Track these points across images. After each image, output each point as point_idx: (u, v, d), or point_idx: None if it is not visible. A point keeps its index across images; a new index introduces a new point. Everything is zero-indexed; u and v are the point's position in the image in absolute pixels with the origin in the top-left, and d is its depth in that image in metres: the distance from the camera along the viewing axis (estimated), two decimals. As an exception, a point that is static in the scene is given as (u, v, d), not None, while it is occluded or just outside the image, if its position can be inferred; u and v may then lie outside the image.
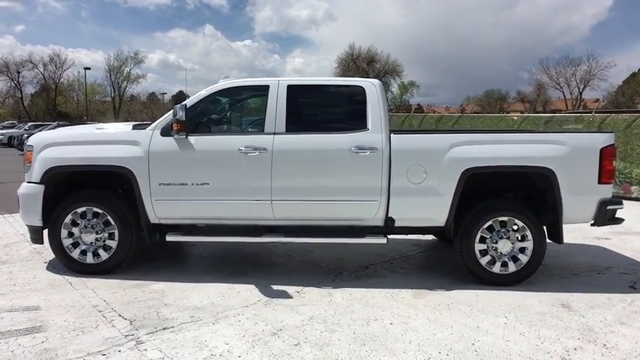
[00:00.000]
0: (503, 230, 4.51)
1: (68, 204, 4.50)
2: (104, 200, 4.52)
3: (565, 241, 6.26)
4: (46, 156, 4.52)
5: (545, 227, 4.76)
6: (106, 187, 4.65)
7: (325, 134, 4.53)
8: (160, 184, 4.46)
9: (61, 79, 52.72)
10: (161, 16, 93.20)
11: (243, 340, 3.33)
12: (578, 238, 6.59)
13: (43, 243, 4.65)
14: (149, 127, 4.56)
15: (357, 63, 49.56)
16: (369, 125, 4.49)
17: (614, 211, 4.60)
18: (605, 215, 4.53)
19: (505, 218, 4.50)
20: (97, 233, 4.54)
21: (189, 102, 4.61)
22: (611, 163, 4.50)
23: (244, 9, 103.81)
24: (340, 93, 4.77)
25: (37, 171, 4.51)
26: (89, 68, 50.75)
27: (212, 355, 3.10)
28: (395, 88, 57.80)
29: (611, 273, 5.06)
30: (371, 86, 4.59)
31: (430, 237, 6.10)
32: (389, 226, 4.60)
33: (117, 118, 50.67)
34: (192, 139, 4.47)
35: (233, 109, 4.94)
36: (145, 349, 3.15)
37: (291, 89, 4.60)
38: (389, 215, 4.53)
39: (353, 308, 3.94)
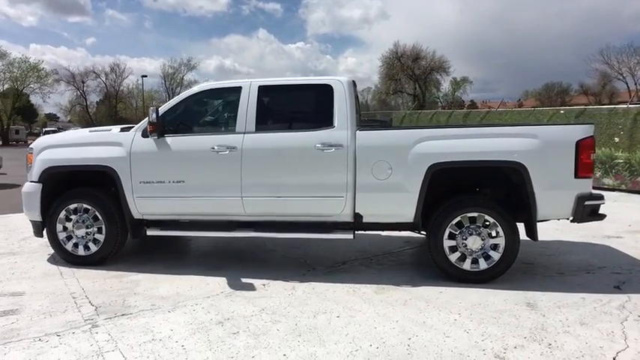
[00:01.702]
0: (473, 226, 4.43)
1: (62, 201, 4.92)
2: (92, 197, 4.89)
3: (570, 239, 6.16)
4: (43, 157, 4.97)
5: (524, 224, 4.64)
6: (98, 185, 5.02)
7: (292, 132, 4.66)
8: (140, 182, 4.77)
9: (121, 87, 56.07)
10: (217, 23, 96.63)
11: (188, 327, 3.52)
12: (587, 237, 6.31)
13: (42, 236, 5.10)
14: (132, 130, 4.89)
15: (402, 61, 48.85)
16: (336, 122, 4.57)
17: (595, 206, 4.38)
18: (583, 211, 4.33)
19: (474, 214, 4.42)
20: (87, 228, 4.93)
21: (167, 105, 4.90)
22: (589, 157, 4.30)
23: (297, 12, 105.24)
24: (309, 92, 4.86)
25: (35, 171, 4.97)
26: (146, 76, 53.74)
27: (153, 339, 3.32)
28: (447, 84, 56.52)
29: (602, 273, 4.81)
30: (339, 84, 4.66)
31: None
32: (357, 222, 4.65)
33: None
34: (169, 139, 4.75)
35: (209, 111, 5.16)
36: (97, 332, 3.42)
37: (262, 90, 4.76)
38: (356, 211, 4.58)
39: (308, 301, 4.04)
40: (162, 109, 4.87)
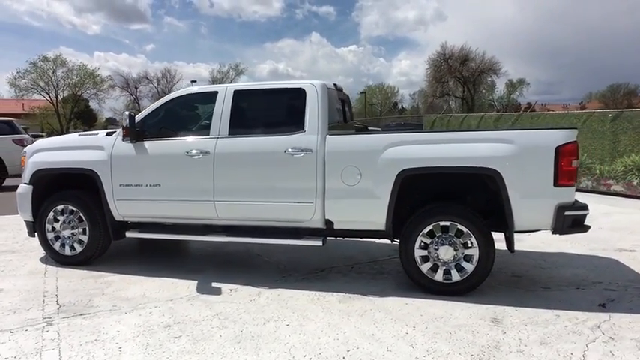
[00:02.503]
0: (445, 236, 4.23)
1: (50, 202, 5.14)
2: (77, 199, 5.08)
3: (576, 251, 5.77)
4: (33, 160, 5.22)
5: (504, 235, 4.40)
6: (85, 188, 5.20)
7: (263, 137, 4.64)
8: (120, 185, 4.90)
9: (172, 92, 58.25)
10: (271, 28, 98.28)
11: (136, 329, 3.57)
12: (596, 249, 5.89)
13: (34, 236, 5.34)
14: (114, 134, 5.04)
15: (450, 63, 47.70)
16: (306, 127, 4.50)
17: (578, 217, 4.07)
18: (563, 222, 4.03)
19: (447, 223, 4.22)
20: (72, 229, 5.12)
21: (148, 109, 5.03)
22: (570, 163, 4.00)
23: (350, 14, 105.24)
24: (283, 96, 4.82)
25: (27, 174, 5.23)
26: (195, 81, 55.06)
27: (95, 340, 3.39)
28: (502, 86, 54.76)
29: (594, 288, 4.46)
30: (311, 88, 4.59)
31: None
32: (329, 228, 4.56)
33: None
34: (147, 143, 4.86)
35: (187, 116, 5.22)
36: (47, 331, 3.54)
37: (237, 94, 4.78)
38: (326, 218, 4.49)
39: (266, 308, 4.00)
40: (143, 113, 5.01)
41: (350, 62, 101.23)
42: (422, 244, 4.28)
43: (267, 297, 4.27)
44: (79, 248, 5.12)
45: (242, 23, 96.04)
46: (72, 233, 5.13)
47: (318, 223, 4.54)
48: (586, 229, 4.14)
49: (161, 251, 5.96)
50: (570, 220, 4.03)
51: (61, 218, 5.13)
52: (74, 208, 5.08)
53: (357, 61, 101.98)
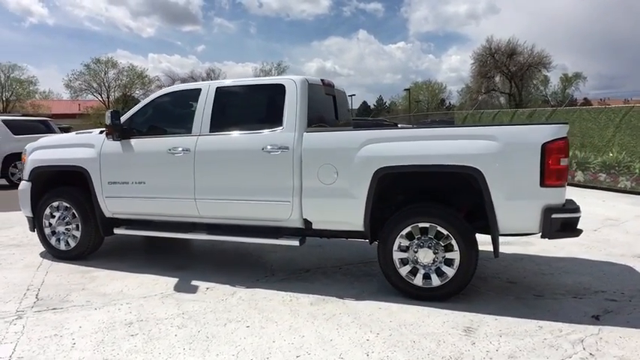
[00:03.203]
0: (425, 238, 4.00)
1: (47, 198, 5.30)
2: (70, 196, 5.21)
3: (589, 257, 5.34)
4: (32, 158, 5.40)
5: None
6: (78, 185, 5.31)
7: (242, 134, 4.57)
8: (108, 183, 4.98)
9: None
10: (318, 26, 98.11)
11: (97, 325, 3.59)
12: (613, 255, 5.45)
13: (34, 231, 5.52)
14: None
15: (496, 57, 45.95)
16: (284, 124, 4.39)
17: (567, 220, 3.73)
18: (551, 225, 3.71)
19: (426, 224, 3.98)
20: (66, 224, 5.25)
21: (135, 107, 5.07)
22: (558, 162, 3.67)
23: (398, 11, 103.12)
24: (263, 93, 4.72)
25: (26, 171, 5.41)
26: (237, 80, 56.18)
27: (55, 335, 3.43)
28: (557, 81, 52.34)
29: (593, 298, 4.09)
30: (291, 83, 4.47)
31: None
32: (307, 228, 4.43)
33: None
34: (133, 141, 4.90)
35: (173, 113, 5.20)
36: (15, 324, 3.62)
37: (219, 91, 4.73)
38: (304, 217, 4.37)
39: (234, 308, 3.92)
40: (131, 111, 5.06)
41: (398, 59, 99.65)
42: (401, 246, 4.07)
43: (241, 297, 4.19)
44: (72, 244, 5.25)
45: (290, 22, 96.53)
46: (66, 229, 5.26)
47: (296, 223, 4.42)
48: (577, 233, 3.80)
49: (156, 248, 6.01)
50: (559, 224, 3.70)
51: (57, 214, 5.27)
52: (68, 205, 5.21)
53: (406, 58, 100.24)
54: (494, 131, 3.83)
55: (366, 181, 4.06)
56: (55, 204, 5.26)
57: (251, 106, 4.81)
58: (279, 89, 4.49)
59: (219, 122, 4.66)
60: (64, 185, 5.32)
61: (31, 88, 48.56)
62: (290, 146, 4.29)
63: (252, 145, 4.43)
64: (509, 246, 5.68)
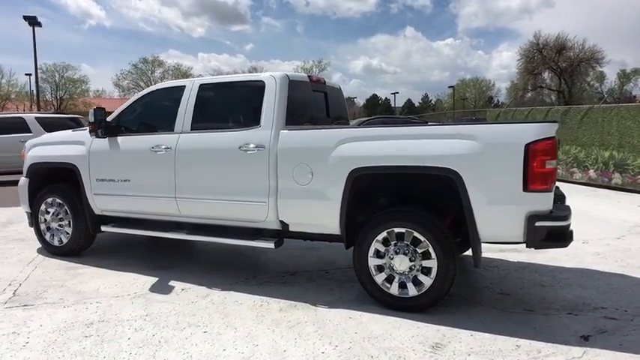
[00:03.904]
0: (401, 244, 3.74)
1: (42, 194, 5.39)
2: (63, 192, 5.27)
3: (602, 268, 4.92)
4: (30, 154, 5.50)
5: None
6: (71, 181, 5.34)
7: (220, 132, 4.45)
8: (97, 180, 4.99)
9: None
10: (365, 24, 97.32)
11: (58, 325, 3.56)
12: (629, 267, 4.99)
13: (32, 226, 5.64)
14: (95, 129, 5.14)
15: (544, 53, 43.89)
16: (262, 122, 4.23)
17: (553, 228, 3.37)
18: (535, 234, 3.36)
19: (402, 230, 3.72)
20: (60, 220, 5.32)
21: (124, 105, 5.06)
22: (543, 164, 3.32)
23: (447, 6, 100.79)
24: (244, 90, 4.57)
25: (25, 167, 5.53)
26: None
27: (13, 332, 3.43)
28: (613, 77, 49.57)
29: (590, 316, 3.70)
30: (271, 80, 4.30)
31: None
32: (285, 230, 4.26)
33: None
34: (120, 139, 4.89)
35: (159, 111, 5.12)
36: (-18, 320, 3.66)
37: (202, 89, 4.63)
38: (280, 219, 4.20)
39: (200, 312, 3.81)
40: (120, 108, 5.06)
41: (446, 56, 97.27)
42: (376, 252, 3.83)
43: (212, 300, 4.08)
44: (64, 240, 5.32)
45: (337, 20, 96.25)
46: (59, 225, 5.33)
47: (273, 225, 4.26)
48: (566, 243, 3.43)
49: (150, 246, 5.96)
50: (544, 232, 3.35)
51: (51, 210, 5.35)
52: (60, 201, 5.28)
53: (454, 55, 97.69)
54: (474, 130, 3.51)
55: (341, 182, 3.85)
56: (50, 200, 5.35)
57: (232, 104, 4.68)
58: (259, 86, 4.34)
59: (201, 120, 4.57)
60: (58, 182, 5.39)
61: (83, 87, 50.79)
62: (266, 145, 4.13)
63: (230, 143, 4.30)
64: (514, 253, 5.31)
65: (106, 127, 4.81)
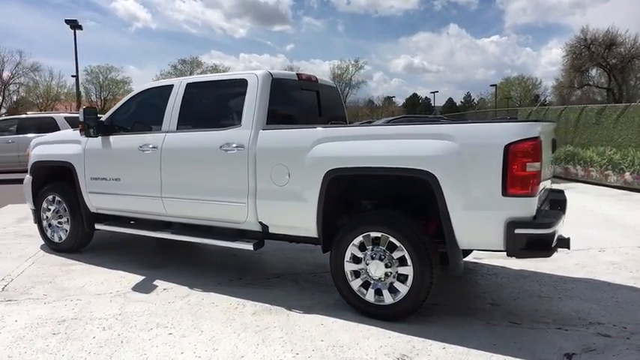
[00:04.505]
0: (377, 249, 3.57)
1: (43, 192, 5.53)
2: (62, 190, 5.38)
3: (613, 280, 4.62)
4: (33, 153, 5.66)
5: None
6: (69, 179, 5.43)
7: (202, 132, 4.41)
8: (91, 178, 5.06)
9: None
10: (406, 22, 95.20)
11: (31, 321, 3.60)
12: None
13: (37, 223, 5.79)
14: (91, 129, 5.21)
15: (592, 49, 41.81)
16: (243, 121, 4.15)
17: (536, 237, 3.12)
18: (514, 242, 3.12)
19: (378, 234, 3.55)
20: (59, 218, 5.44)
21: (118, 104, 5.11)
22: (524, 167, 3.07)
23: (493, 2, 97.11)
24: (228, 88, 4.50)
25: (29, 165, 5.69)
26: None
27: (-12, 327, 3.51)
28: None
29: (580, 332, 3.40)
30: (253, 78, 4.21)
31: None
32: (265, 232, 4.17)
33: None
34: (112, 138, 4.94)
35: (149, 110, 5.11)
36: (-36, 314, 3.76)
37: (188, 87, 4.61)
38: (259, 220, 4.11)
39: (172, 313, 3.76)
40: (114, 107, 5.12)
41: (491, 53, 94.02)
42: (353, 257, 3.67)
43: (189, 301, 4.04)
44: (63, 237, 5.43)
45: (378, 19, 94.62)
46: (59, 222, 5.45)
47: (253, 226, 4.17)
48: (549, 252, 3.17)
49: (149, 244, 5.99)
50: (523, 240, 3.10)
51: (51, 208, 5.48)
52: (60, 199, 5.39)
53: (500, 52, 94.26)
54: (452, 130, 3.30)
55: (317, 184, 3.71)
56: (50, 198, 5.47)
57: (216, 103, 4.64)
58: (242, 84, 4.26)
59: (186, 119, 4.55)
60: (58, 180, 5.51)
61: (125, 88, 52.60)
62: (245, 145, 4.05)
63: (212, 143, 4.24)
64: (519, 260, 4.99)
65: (98, 126, 4.86)
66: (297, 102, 4.67)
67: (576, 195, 10.14)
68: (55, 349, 3.16)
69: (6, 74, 45.01)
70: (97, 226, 5.16)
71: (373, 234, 3.56)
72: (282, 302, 3.98)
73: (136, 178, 4.75)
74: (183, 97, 4.57)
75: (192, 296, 4.14)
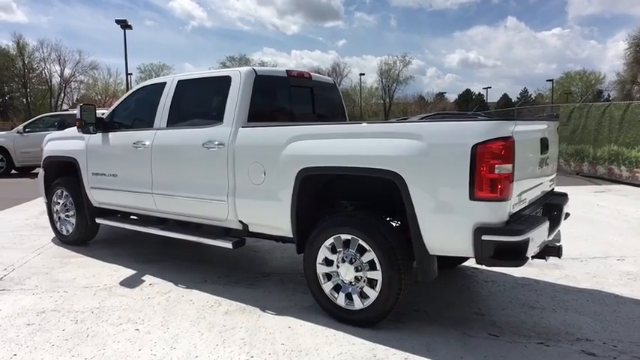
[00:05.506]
0: (347, 252, 3.44)
1: (53, 186, 5.75)
2: (68, 185, 5.57)
3: (620, 292, 4.23)
4: (45, 148, 5.90)
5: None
6: (76, 175, 5.61)
7: (187, 129, 4.42)
8: (92, 174, 5.22)
9: (341, 85, 60.08)
10: (462, 15, 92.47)
11: (14, 311, 3.74)
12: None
13: (48, 215, 6.04)
14: (95, 125, 5.37)
15: (658, 41, 38.95)
16: (224, 118, 4.12)
17: (504, 244, 2.88)
18: (482, 249, 2.90)
19: (348, 236, 3.42)
20: (67, 211, 5.65)
21: (119, 100, 5.24)
22: (492, 169, 2.85)
23: None
24: (214, 85, 4.45)
25: (42, 160, 5.93)
26: (363, 74, 56.23)
27: (-28, 315, 3.67)
28: None
29: (564, 348, 3.14)
30: (236, 75, 4.17)
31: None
32: (245, 230, 4.13)
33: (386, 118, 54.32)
34: (111, 134, 5.07)
35: (145, 107, 5.16)
36: (-44, 301, 3.96)
37: (179, 85, 4.63)
38: (239, 218, 4.07)
39: (147, 310, 3.79)
40: (115, 104, 5.25)
41: (552, 47, 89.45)
42: (325, 259, 3.56)
43: (169, 297, 4.07)
44: (70, 230, 5.64)
45: (432, 13, 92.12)
46: (66, 215, 5.66)
47: (234, 224, 4.15)
48: (520, 262, 2.93)
49: (152, 238, 5.97)
50: (491, 248, 2.88)
51: (60, 201, 5.70)
52: (67, 193, 5.59)
53: (562, 45, 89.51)
54: (420, 129, 3.11)
55: (290, 183, 3.63)
56: (59, 192, 5.69)
57: (203, 100, 4.64)
58: (226, 81, 4.23)
59: (175, 116, 4.58)
60: (66, 175, 5.71)
61: (175, 85, 54.36)
62: (225, 142, 4.03)
63: (195, 140, 4.24)
64: (524, 268, 4.68)
65: (98, 122, 4.99)
66: (286, 99, 4.60)
67: (615, 197, 9.47)
68: (22, 340, 3.26)
69: (67, 72, 47.72)
70: (98, 220, 5.31)
71: (344, 236, 3.44)
72: (259, 302, 3.93)
73: (130, 174, 4.84)
74: (174, 94, 4.61)
75: (174, 293, 4.17)
